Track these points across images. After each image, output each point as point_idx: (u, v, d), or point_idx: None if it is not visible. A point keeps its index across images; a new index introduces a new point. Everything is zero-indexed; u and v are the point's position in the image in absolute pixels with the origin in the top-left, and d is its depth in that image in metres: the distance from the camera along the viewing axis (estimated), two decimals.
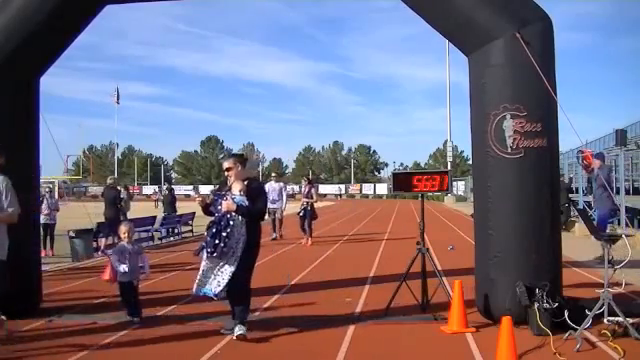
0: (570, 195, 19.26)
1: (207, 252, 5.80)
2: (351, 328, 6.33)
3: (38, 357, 5.49)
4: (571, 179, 22.16)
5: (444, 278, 7.52)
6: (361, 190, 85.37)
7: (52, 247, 14.64)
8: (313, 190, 16.20)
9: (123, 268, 6.56)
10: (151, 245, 16.14)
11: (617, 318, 5.71)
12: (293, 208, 16.67)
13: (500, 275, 6.26)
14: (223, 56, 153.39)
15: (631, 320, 5.66)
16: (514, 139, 6.21)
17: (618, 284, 7.19)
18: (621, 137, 16.47)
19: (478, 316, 6.53)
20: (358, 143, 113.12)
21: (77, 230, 13.42)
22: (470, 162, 28.57)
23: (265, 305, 7.55)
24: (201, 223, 6.34)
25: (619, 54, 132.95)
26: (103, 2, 7.27)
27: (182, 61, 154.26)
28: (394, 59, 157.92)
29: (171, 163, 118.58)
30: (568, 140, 45.91)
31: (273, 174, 20.32)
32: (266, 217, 17.46)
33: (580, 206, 16.06)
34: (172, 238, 17.91)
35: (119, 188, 15.75)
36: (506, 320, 5.04)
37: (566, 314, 5.82)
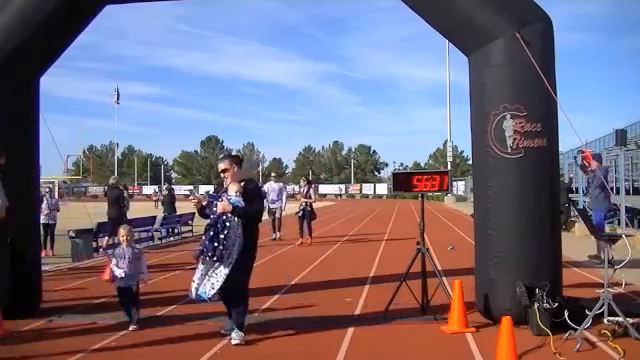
0: (570, 195, 19.27)
1: (207, 256, 5.71)
2: (351, 328, 6.33)
3: (38, 357, 5.48)
4: (571, 179, 22.17)
5: (444, 278, 7.52)
6: (361, 190, 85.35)
7: (52, 247, 14.64)
8: (312, 190, 16.19)
9: (119, 273, 6.44)
10: (151, 245, 16.15)
11: (617, 318, 5.72)
12: (293, 208, 16.65)
13: (500, 275, 6.27)
14: (223, 56, 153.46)
15: (631, 320, 5.66)
16: (514, 139, 6.21)
17: (618, 284, 7.19)
18: (621, 137, 16.48)
19: (478, 316, 6.53)
20: (358, 143, 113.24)
21: (77, 230, 13.42)
22: (470, 162, 28.59)
23: (265, 305, 7.55)
24: (201, 223, 6.34)
25: (619, 54, 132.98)
26: (103, 2, 7.28)
27: (182, 61, 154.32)
28: (394, 59, 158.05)
29: (171, 163, 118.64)
30: (568, 140, 45.97)
31: (273, 174, 20.31)
32: (265, 217, 17.48)
33: (580, 206, 16.07)
34: (172, 238, 17.91)
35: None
36: (506, 320, 5.04)
37: (566, 314, 5.82)
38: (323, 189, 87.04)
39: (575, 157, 18.96)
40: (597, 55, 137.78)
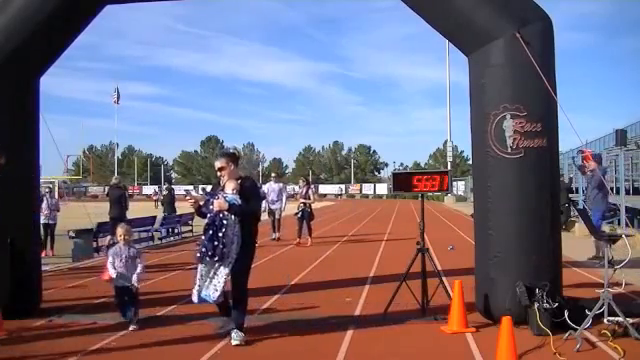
0: (570, 195, 19.27)
1: (207, 256, 5.66)
2: (351, 328, 6.33)
3: (38, 357, 5.49)
4: (571, 179, 22.17)
5: (444, 278, 7.52)
6: (361, 190, 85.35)
7: (52, 247, 14.64)
8: (310, 191, 16.18)
9: (112, 272, 6.40)
10: (151, 245, 16.15)
11: (617, 318, 5.72)
12: (293, 209, 16.64)
13: (500, 275, 6.27)
14: (223, 56, 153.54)
15: (631, 320, 5.67)
16: (514, 139, 6.21)
17: (618, 284, 7.19)
18: (621, 137, 16.47)
19: (478, 316, 6.53)
20: (358, 143, 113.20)
21: (77, 230, 13.43)
22: (470, 162, 28.59)
23: (265, 305, 7.55)
24: (201, 223, 6.32)
25: (620, 54, 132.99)
26: (103, 2, 7.28)
27: (182, 61, 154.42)
28: (394, 59, 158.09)
29: (171, 163, 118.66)
30: (568, 140, 45.91)
31: (273, 174, 20.30)
32: (265, 217, 17.45)
33: (580, 206, 16.06)
34: (172, 238, 17.91)
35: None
36: (506, 320, 5.04)
37: (566, 314, 5.82)
38: (323, 189, 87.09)
39: (573, 158, 18.99)
40: (597, 55, 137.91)
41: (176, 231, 18.45)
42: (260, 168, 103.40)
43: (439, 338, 5.99)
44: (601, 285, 6.00)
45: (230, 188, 5.90)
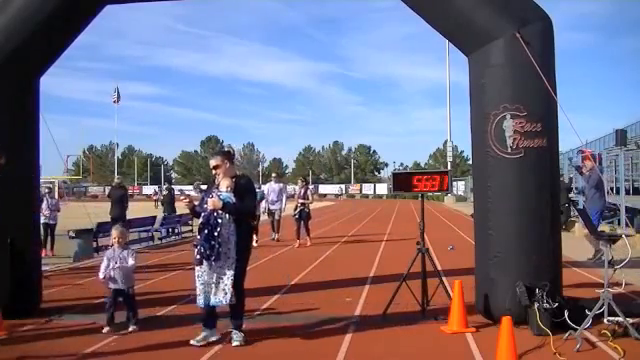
0: (570, 195, 19.27)
1: (206, 256, 5.56)
2: (351, 328, 6.33)
3: (38, 357, 5.49)
4: (571, 179, 22.16)
5: (444, 278, 7.52)
6: (361, 190, 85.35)
7: (52, 247, 14.64)
8: (309, 191, 16.17)
9: (105, 274, 6.35)
10: (151, 245, 16.15)
11: (617, 318, 5.72)
12: (292, 209, 16.61)
13: (500, 275, 6.27)
14: (223, 56, 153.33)
15: (631, 320, 5.67)
16: (514, 139, 6.21)
17: (618, 284, 7.19)
18: (621, 137, 16.46)
19: (478, 316, 6.53)
20: (358, 143, 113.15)
21: (77, 230, 13.42)
22: (470, 162, 28.59)
23: (265, 305, 7.55)
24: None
25: (620, 54, 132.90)
26: (103, 2, 7.28)
27: (182, 61, 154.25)
28: (394, 59, 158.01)
29: (171, 163, 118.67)
30: (568, 140, 45.94)
31: (273, 174, 20.28)
32: (265, 217, 17.41)
33: (580, 206, 16.06)
34: (172, 238, 17.91)
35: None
36: (506, 320, 5.04)
37: (566, 314, 5.82)
38: (323, 189, 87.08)
39: (570, 158, 19.00)
40: (597, 55, 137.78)
41: (176, 231, 18.44)
42: (260, 168, 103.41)
43: (439, 338, 5.98)
44: (601, 285, 6.00)
45: (224, 186, 5.84)
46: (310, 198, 16.09)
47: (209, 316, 5.83)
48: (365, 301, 7.77)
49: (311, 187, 17.16)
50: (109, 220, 14.53)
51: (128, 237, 7.31)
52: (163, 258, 13.07)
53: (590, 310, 5.73)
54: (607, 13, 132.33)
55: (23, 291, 6.88)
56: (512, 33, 6.22)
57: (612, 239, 6.23)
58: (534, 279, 6.07)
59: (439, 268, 8.79)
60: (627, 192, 18.25)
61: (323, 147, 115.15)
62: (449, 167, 47.56)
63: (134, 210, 19.78)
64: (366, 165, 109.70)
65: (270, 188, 16.40)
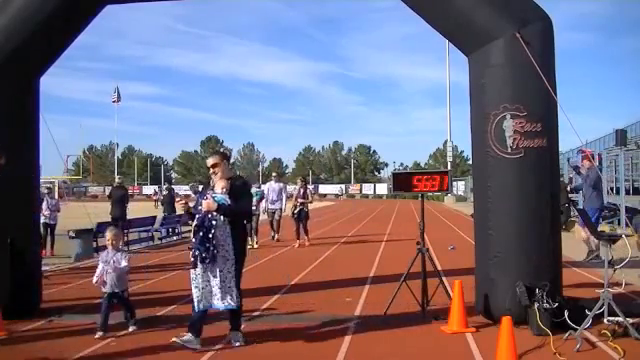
0: (570, 195, 19.29)
1: (201, 258, 5.47)
2: (351, 328, 6.33)
3: (38, 357, 5.48)
4: (571, 179, 22.16)
5: (444, 278, 7.52)
6: (361, 190, 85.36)
7: (52, 247, 14.64)
8: (308, 191, 16.15)
9: (95, 278, 6.29)
10: (151, 245, 16.16)
11: (617, 318, 5.72)
12: (290, 209, 16.61)
13: (500, 275, 6.27)
14: (223, 56, 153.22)
15: (631, 320, 5.66)
16: (514, 139, 6.21)
17: (618, 284, 7.19)
18: (621, 137, 16.49)
19: (478, 316, 6.53)
20: (358, 143, 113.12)
21: (77, 230, 13.42)
22: (470, 162, 28.58)
23: (265, 305, 7.55)
24: None
25: (620, 54, 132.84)
26: (103, 2, 7.28)
27: (182, 61, 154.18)
28: (394, 59, 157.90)
29: (171, 163, 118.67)
30: (568, 140, 45.87)
31: (274, 174, 20.26)
32: (265, 217, 17.39)
33: (580, 206, 16.08)
34: (173, 238, 17.91)
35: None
36: (506, 320, 5.04)
37: (566, 314, 5.82)
38: (323, 189, 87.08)
39: (568, 159, 19.01)
40: (597, 55, 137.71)
41: (176, 231, 18.44)
42: (260, 168, 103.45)
43: (439, 338, 5.98)
44: (601, 285, 6.00)
45: (220, 187, 5.77)
46: (310, 198, 16.08)
47: (200, 322, 5.67)
48: (365, 301, 7.78)
49: (310, 187, 17.12)
50: (109, 220, 14.55)
51: (123, 239, 7.25)
52: (163, 258, 13.07)
53: (590, 310, 5.74)
54: (607, 13, 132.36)
55: (23, 291, 6.88)
56: (512, 33, 6.22)
57: (612, 239, 6.24)
58: (534, 279, 6.07)
59: (439, 268, 8.79)
60: (627, 192, 18.27)
61: (323, 147, 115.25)
62: (449, 167, 47.55)
63: (134, 210, 19.79)
64: (366, 165, 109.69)
65: (270, 188, 16.39)
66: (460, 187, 57.59)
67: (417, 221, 7.21)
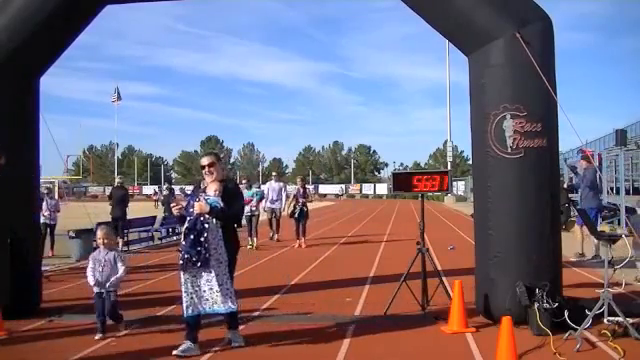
0: (570, 195, 19.28)
1: (192, 262, 5.35)
2: (351, 328, 6.33)
3: (38, 357, 5.49)
4: (571, 179, 22.16)
5: (444, 278, 7.52)
6: (361, 190, 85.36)
7: (52, 247, 14.63)
8: (307, 191, 16.14)
9: (91, 280, 6.11)
10: (151, 245, 16.16)
11: (617, 318, 5.72)
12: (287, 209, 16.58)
13: (500, 275, 6.27)
14: (223, 56, 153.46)
15: (631, 320, 5.66)
16: (514, 139, 6.21)
17: (618, 284, 7.19)
18: (621, 137, 16.46)
19: (478, 316, 6.53)
20: (358, 143, 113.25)
21: (77, 230, 13.43)
22: (470, 162, 28.59)
23: (265, 305, 7.55)
24: None
25: (620, 54, 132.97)
26: (103, 2, 7.28)
27: (182, 61, 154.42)
28: (394, 59, 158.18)
29: (171, 163, 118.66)
30: (568, 140, 45.95)
31: (274, 174, 20.29)
32: (265, 217, 17.36)
33: (579, 206, 16.07)
34: (173, 238, 17.90)
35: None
36: (506, 320, 5.04)
37: (566, 314, 5.81)
38: (323, 189, 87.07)
39: (565, 159, 19.03)
40: (597, 55, 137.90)
41: (176, 231, 18.41)
42: (260, 168, 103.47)
43: (439, 338, 5.98)
44: (601, 285, 6.00)
45: (212, 190, 5.61)
46: (310, 197, 16.06)
47: (195, 328, 5.59)
48: (365, 301, 7.77)
49: (309, 187, 17.12)
50: (109, 220, 14.55)
51: (115, 238, 7.07)
52: (163, 258, 13.07)
53: (590, 310, 5.73)
54: (607, 13, 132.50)
55: (23, 291, 6.88)
56: (512, 33, 6.22)
57: (612, 239, 6.24)
58: (534, 279, 6.06)
59: (439, 268, 8.79)
60: (627, 192, 18.27)
61: (323, 147, 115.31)
62: (449, 167, 47.53)
63: (134, 210, 19.77)
64: (366, 165, 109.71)
65: (270, 187, 16.39)
66: (460, 187, 57.58)
67: (417, 221, 7.21)
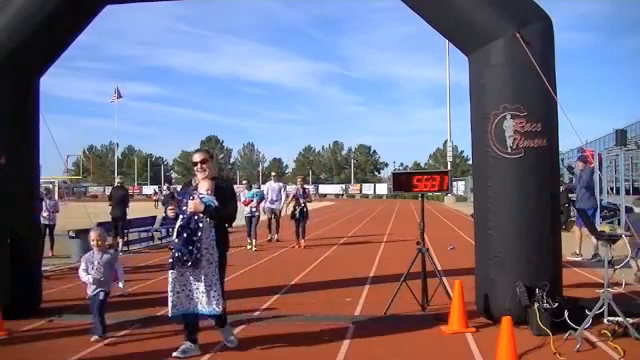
0: (570, 195, 19.29)
1: (183, 261, 5.30)
2: (351, 328, 6.33)
3: (38, 357, 5.48)
4: (571, 179, 22.17)
5: (444, 278, 7.52)
6: (361, 190, 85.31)
7: (52, 247, 14.63)
8: (307, 191, 16.13)
9: (85, 278, 6.06)
10: (151, 245, 16.16)
11: (617, 318, 5.72)
12: (289, 209, 16.58)
13: (500, 275, 6.26)
14: (223, 56, 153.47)
15: (631, 320, 5.66)
16: (514, 139, 6.21)
17: (618, 284, 7.19)
18: (621, 137, 16.46)
19: (478, 316, 6.53)
20: (358, 143, 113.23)
21: (77, 230, 13.42)
22: (470, 162, 28.59)
23: (265, 305, 7.55)
24: None
25: (620, 54, 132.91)
26: (103, 2, 7.28)
27: (182, 61, 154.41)
28: (394, 59, 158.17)
29: (171, 163, 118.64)
30: (568, 140, 45.88)
31: (273, 174, 20.27)
32: (264, 217, 17.37)
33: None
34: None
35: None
36: (506, 320, 5.04)
37: (566, 314, 5.81)
38: (323, 189, 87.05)
39: (562, 159, 19.04)
40: (597, 55, 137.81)
41: None
42: (260, 168, 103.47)
43: (439, 338, 5.98)
44: (601, 285, 6.00)
45: (204, 188, 5.48)
46: (310, 198, 16.06)
47: (193, 328, 5.58)
48: (365, 301, 7.77)
49: (309, 187, 17.12)
50: (109, 220, 14.56)
51: (108, 239, 6.94)
52: (163, 258, 13.03)
53: (590, 310, 5.73)
54: (607, 13, 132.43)
55: (23, 291, 6.88)
56: (512, 33, 6.22)
57: (612, 239, 6.24)
58: (534, 279, 6.06)
59: (439, 268, 8.79)
60: (627, 192, 18.26)
61: (323, 147, 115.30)
62: (449, 167, 47.52)
63: (134, 210, 19.76)
64: (366, 165, 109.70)
65: (270, 187, 16.40)
66: (460, 187, 57.56)
67: (417, 221, 7.21)
